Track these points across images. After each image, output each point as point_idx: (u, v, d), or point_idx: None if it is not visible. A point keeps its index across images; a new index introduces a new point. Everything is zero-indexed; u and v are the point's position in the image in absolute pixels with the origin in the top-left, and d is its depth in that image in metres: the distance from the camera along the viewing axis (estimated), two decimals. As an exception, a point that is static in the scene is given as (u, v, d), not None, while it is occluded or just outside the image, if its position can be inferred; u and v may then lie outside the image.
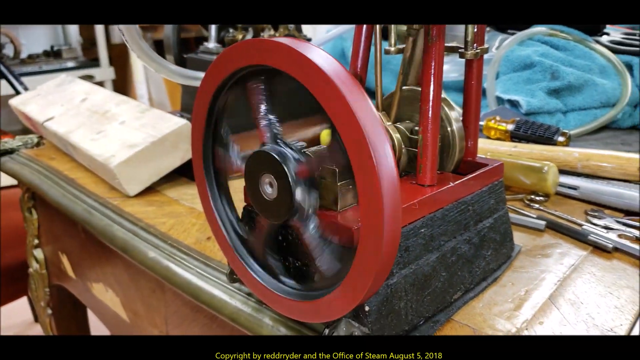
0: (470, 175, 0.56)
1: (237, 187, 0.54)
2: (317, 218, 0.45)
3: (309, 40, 1.05)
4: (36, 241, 1.18)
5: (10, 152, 1.09)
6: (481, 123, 0.99)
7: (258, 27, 1.00)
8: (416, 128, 0.55)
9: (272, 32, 0.98)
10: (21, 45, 3.59)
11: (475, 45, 0.57)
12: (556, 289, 0.58)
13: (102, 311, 1.02)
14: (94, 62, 3.69)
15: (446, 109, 0.58)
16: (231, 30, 0.99)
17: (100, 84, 3.44)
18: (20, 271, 1.52)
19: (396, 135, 0.56)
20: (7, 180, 1.43)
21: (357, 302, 0.42)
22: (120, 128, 0.92)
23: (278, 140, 0.45)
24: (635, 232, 0.68)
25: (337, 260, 0.44)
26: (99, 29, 3.56)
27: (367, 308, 0.45)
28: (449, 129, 0.58)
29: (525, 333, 0.50)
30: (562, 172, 0.82)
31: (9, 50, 3.54)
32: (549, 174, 0.77)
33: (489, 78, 1.13)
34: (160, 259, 0.69)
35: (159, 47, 1.04)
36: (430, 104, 0.53)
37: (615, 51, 1.16)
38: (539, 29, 1.21)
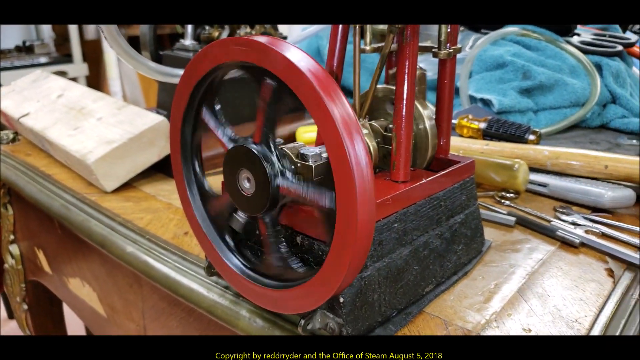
0: (443, 172, 0.58)
1: (214, 183, 0.56)
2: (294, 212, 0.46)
3: (284, 38, 1.06)
4: (12, 237, 1.18)
5: (-15, 148, 1.09)
6: (454, 121, 1.01)
7: (234, 25, 1.00)
8: (390, 126, 0.56)
9: (248, 29, 0.99)
10: (-8, 40, 3.55)
11: (448, 45, 0.58)
12: (525, 283, 0.59)
13: (78, 306, 1.02)
14: (67, 58, 3.65)
15: (419, 107, 0.59)
16: (207, 27, 1.00)
17: (74, 80, 3.39)
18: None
19: (370, 133, 0.57)
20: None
21: (331, 293, 0.43)
22: (97, 124, 0.93)
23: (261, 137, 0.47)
24: (601, 228, 0.70)
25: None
26: (72, 25, 3.53)
27: (341, 300, 0.47)
28: (421, 126, 0.59)
29: (494, 325, 0.52)
30: (532, 169, 0.84)
31: (-21, 45, 3.50)
32: (520, 171, 0.79)
33: (462, 77, 1.15)
34: (139, 253, 0.69)
35: (134, 44, 1.04)
36: (404, 102, 0.54)
37: (585, 52, 1.18)
38: (511, 29, 1.23)
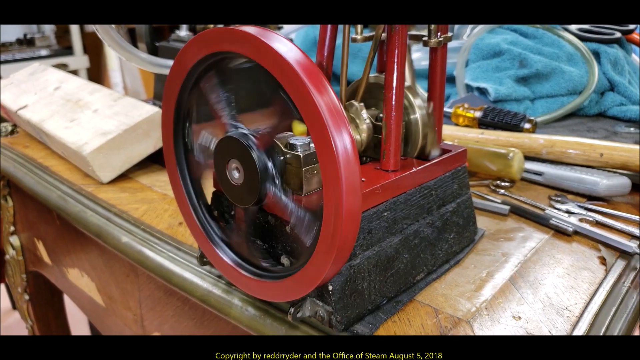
0: (434, 161, 0.58)
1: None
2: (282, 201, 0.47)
3: (280, 28, 1.06)
4: (12, 228, 1.19)
5: (-17, 140, 1.10)
6: (450, 110, 1.01)
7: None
8: (381, 115, 0.57)
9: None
10: (-7, 33, 3.56)
11: (439, 33, 0.58)
12: (516, 271, 0.60)
13: (78, 296, 1.03)
14: (68, 50, 3.65)
15: (410, 96, 0.59)
16: (204, 19, 1.00)
17: (75, 72, 3.41)
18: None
19: (359, 121, 0.57)
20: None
21: (318, 282, 0.43)
22: (94, 116, 0.93)
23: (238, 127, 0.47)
24: (596, 216, 0.70)
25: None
26: (73, 17, 3.52)
27: (330, 287, 0.47)
28: (412, 116, 0.60)
29: (484, 313, 0.52)
30: (528, 158, 0.84)
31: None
32: (515, 160, 0.79)
33: (459, 66, 1.14)
34: (134, 243, 0.70)
35: (133, 36, 1.04)
36: (394, 91, 0.54)
37: (583, 39, 1.17)
38: (508, 18, 1.23)
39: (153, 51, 1.02)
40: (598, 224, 0.69)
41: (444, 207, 0.59)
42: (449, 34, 0.59)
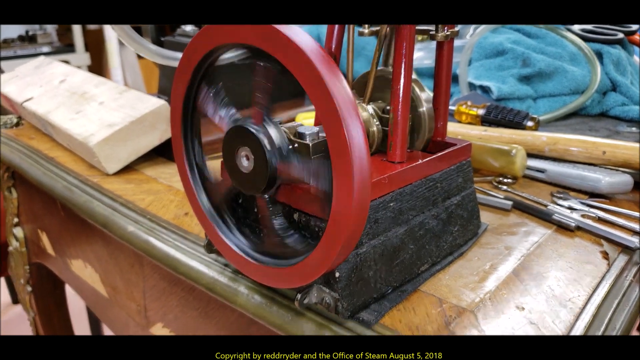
0: (439, 154, 0.58)
1: (214, 166, 0.57)
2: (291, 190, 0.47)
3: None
4: (16, 220, 1.19)
5: (-11, 132, 1.10)
6: (453, 108, 1.02)
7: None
8: (388, 107, 0.57)
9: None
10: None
11: (446, 28, 0.59)
12: (520, 264, 0.60)
13: (81, 287, 1.04)
14: (70, 47, 3.67)
15: (417, 90, 0.60)
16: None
17: (77, 69, 3.41)
18: (0, 251, 1.53)
19: (368, 113, 0.58)
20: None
21: (326, 268, 0.44)
22: (99, 108, 0.94)
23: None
24: (598, 213, 0.71)
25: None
26: (76, 14, 3.52)
27: (337, 274, 0.48)
28: (419, 109, 0.60)
29: (488, 303, 0.53)
30: (530, 155, 0.85)
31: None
32: (517, 157, 0.79)
33: (462, 64, 1.15)
34: (140, 233, 0.70)
35: (138, 31, 1.05)
36: (402, 83, 0.55)
37: (585, 39, 1.18)
38: (512, 17, 1.23)
39: (158, 45, 1.03)
40: (600, 220, 0.70)
41: (448, 199, 0.60)
42: (456, 28, 0.60)
